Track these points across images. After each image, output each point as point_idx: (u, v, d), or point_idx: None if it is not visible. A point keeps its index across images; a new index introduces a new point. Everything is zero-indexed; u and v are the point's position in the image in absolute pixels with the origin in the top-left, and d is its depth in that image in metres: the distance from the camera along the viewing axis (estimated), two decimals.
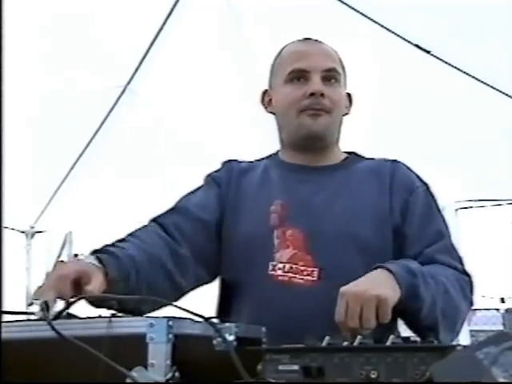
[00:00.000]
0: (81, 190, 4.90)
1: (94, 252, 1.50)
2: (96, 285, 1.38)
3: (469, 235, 4.95)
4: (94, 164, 4.77)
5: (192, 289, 1.70)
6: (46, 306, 1.11)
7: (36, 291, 1.35)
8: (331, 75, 1.74)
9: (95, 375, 1.01)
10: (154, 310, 1.39)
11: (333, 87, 1.73)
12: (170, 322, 1.04)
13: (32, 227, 5.37)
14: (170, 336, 1.03)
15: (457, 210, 4.96)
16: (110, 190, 4.84)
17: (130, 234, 1.63)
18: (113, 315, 1.10)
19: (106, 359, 0.99)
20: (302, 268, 1.64)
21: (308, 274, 1.64)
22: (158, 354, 1.02)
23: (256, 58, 3.65)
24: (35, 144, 4.39)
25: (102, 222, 4.77)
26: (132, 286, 1.51)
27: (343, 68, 1.81)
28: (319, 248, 1.65)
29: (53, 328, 1.03)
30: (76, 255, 1.46)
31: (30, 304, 1.20)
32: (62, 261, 1.46)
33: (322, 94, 1.70)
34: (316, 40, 1.81)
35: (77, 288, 1.36)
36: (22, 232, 5.37)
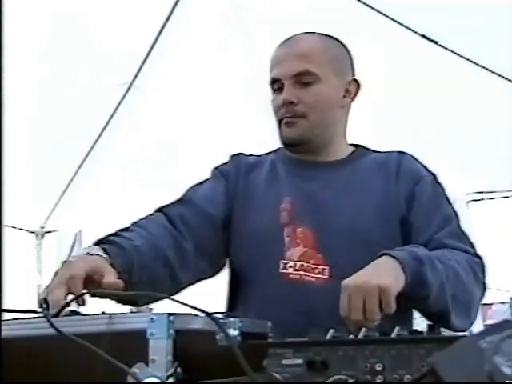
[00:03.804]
0: (89, 189, 4.89)
1: (99, 242, 1.50)
2: (111, 277, 1.37)
3: (481, 227, 4.91)
4: (102, 163, 4.77)
5: (191, 283, 1.69)
6: (46, 304, 1.10)
7: (44, 290, 1.35)
8: (303, 77, 1.70)
9: (96, 372, 1.00)
10: (151, 302, 1.38)
11: (308, 89, 1.70)
12: (171, 318, 1.03)
13: (42, 227, 5.37)
14: (171, 331, 1.02)
15: (468, 202, 4.92)
16: (119, 189, 4.84)
17: (135, 223, 1.63)
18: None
19: (106, 356, 0.98)
20: (313, 266, 1.64)
21: (319, 273, 1.63)
22: (159, 349, 1.01)
23: (260, 53, 3.64)
24: (43, 144, 4.39)
25: (111, 221, 4.75)
26: (135, 277, 1.50)
27: (338, 57, 1.76)
28: (329, 246, 1.65)
29: (52, 325, 1.02)
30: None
31: (40, 305, 1.19)
32: (67, 261, 1.44)
33: (292, 102, 1.69)
34: (299, 35, 1.77)
35: (89, 285, 1.35)
36: (32, 232, 5.38)
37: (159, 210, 1.71)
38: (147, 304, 1.20)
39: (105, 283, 1.35)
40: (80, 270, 1.35)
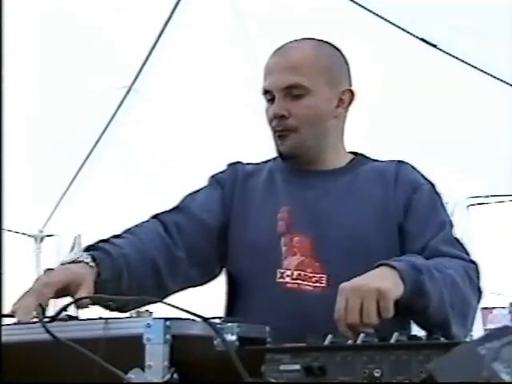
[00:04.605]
0: (89, 192, 4.89)
1: (88, 248, 1.50)
2: (84, 292, 1.37)
3: (481, 232, 4.90)
4: (101, 166, 4.76)
5: (178, 291, 1.68)
6: (42, 309, 1.09)
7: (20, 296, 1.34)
8: (293, 91, 1.67)
9: (92, 378, 0.99)
10: (138, 307, 1.37)
11: (299, 102, 1.67)
12: (168, 323, 1.02)
13: (41, 231, 5.37)
14: (168, 337, 1.01)
15: (468, 206, 4.91)
16: (118, 192, 4.83)
17: (128, 230, 1.62)
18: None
19: (102, 362, 0.97)
20: (311, 275, 1.62)
21: (317, 281, 1.62)
22: (156, 355, 1.00)
23: (260, 54, 3.63)
24: (42, 147, 4.38)
25: (110, 224, 4.74)
26: (123, 285, 1.50)
27: (331, 66, 1.73)
28: (327, 254, 1.63)
29: (47, 331, 1.01)
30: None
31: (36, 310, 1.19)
32: (50, 268, 1.45)
33: (283, 116, 1.67)
34: (292, 44, 1.75)
35: (63, 295, 1.36)
36: (31, 236, 5.37)
37: (155, 216, 1.70)
38: (135, 309, 1.20)
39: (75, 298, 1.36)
40: (56, 279, 1.37)
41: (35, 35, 3.79)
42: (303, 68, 1.69)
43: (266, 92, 1.71)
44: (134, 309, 1.22)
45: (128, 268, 1.51)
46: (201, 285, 1.74)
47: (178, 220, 1.69)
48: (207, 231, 1.71)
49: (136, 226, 1.66)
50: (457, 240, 1.66)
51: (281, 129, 1.69)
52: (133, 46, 4.03)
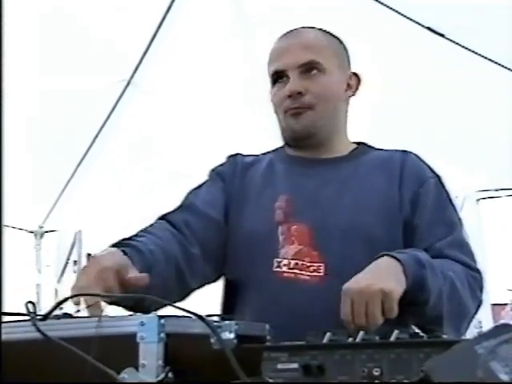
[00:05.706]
0: (89, 187, 4.88)
1: (115, 245, 1.47)
2: (136, 272, 1.36)
3: (491, 226, 4.86)
4: (100, 161, 4.75)
5: (197, 288, 1.66)
6: (33, 306, 1.06)
7: (75, 288, 1.31)
8: (310, 68, 1.68)
9: (84, 378, 0.97)
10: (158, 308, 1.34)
11: (314, 80, 1.68)
12: (162, 321, 0.99)
13: (41, 227, 5.35)
14: (162, 335, 0.98)
15: (478, 200, 4.86)
16: (118, 187, 4.82)
17: (144, 231, 1.59)
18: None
19: (94, 361, 0.95)
20: (308, 264, 1.60)
21: (314, 270, 1.59)
22: (150, 354, 0.97)
23: (260, 53, 3.62)
24: (41, 143, 4.37)
25: (111, 220, 4.74)
26: (151, 281, 1.44)
27: (339, 50, 1.76)
28: (325, 243, 1.61)
29: (38, 329, 0.98)
30: (89, 255, 1.42)
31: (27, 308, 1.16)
32: (92, 255, 1.41)
33: (300, 93, 1.67)
34: (301, 28, 1.77)
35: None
36: (31, 232, 5.35)
37: (162, 217, 1.68)
38: (156, 310, 1.16)
39: (130, 278, 1.34)
40: (111, 263, 1.35)
41: (35, 35, 3.78)
42: (318, 47, 1.72)
43: (275, 74, 1.71)
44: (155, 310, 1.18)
45: (154, 264, 1.48)
46: (213, 281, 1.71)
47: (186, 218, 1.66)
48: (215, 226, 1.70)
49: (150, 226, 1.62)
50: (465, 243, 1.63)
51: (297, 106, 1.68)
52: (131, 41, 4.02)
